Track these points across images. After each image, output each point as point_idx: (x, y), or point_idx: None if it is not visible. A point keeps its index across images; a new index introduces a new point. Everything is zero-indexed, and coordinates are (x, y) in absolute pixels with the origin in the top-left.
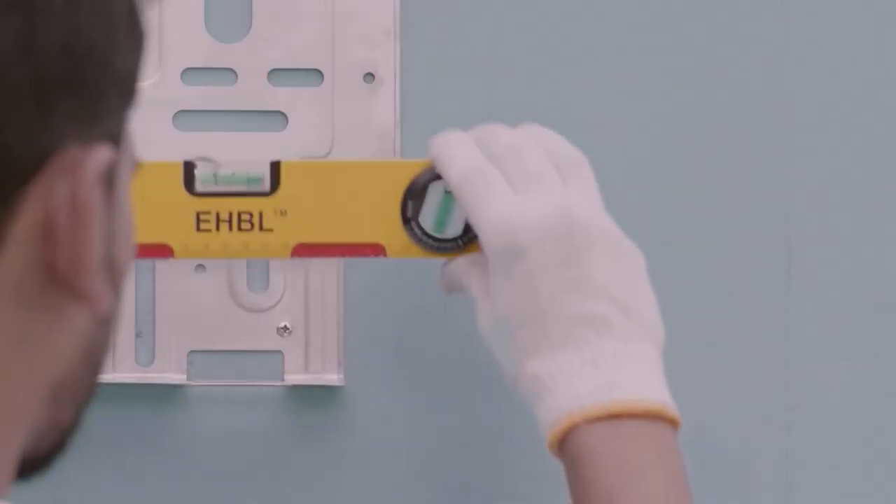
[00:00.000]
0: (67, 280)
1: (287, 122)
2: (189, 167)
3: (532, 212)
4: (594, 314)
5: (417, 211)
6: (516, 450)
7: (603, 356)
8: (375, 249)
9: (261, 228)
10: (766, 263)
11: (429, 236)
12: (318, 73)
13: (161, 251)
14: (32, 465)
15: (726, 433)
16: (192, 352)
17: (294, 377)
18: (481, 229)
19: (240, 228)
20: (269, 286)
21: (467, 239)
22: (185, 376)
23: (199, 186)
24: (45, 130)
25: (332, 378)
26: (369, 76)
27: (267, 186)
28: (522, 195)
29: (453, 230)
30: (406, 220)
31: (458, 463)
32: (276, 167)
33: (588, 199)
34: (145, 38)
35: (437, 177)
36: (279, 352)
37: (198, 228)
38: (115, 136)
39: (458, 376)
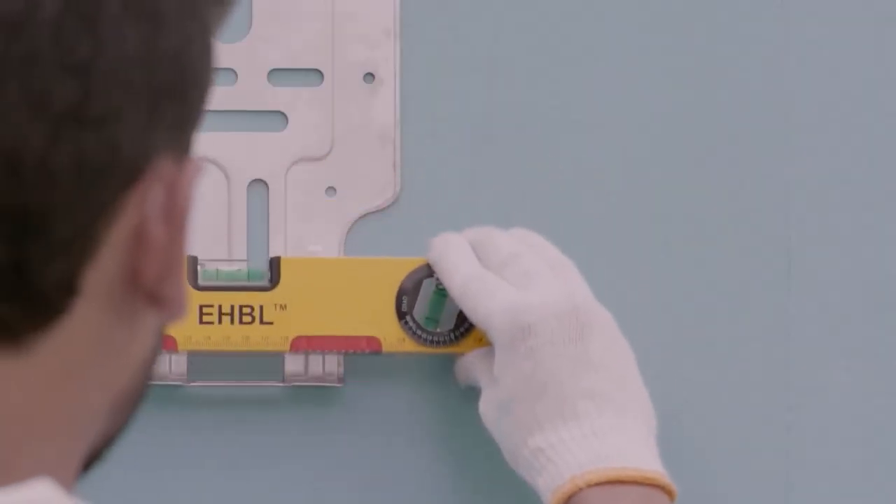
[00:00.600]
0: (152, 287)
1: (287, 122)
2: (192, 262)
3: (536, 297)
4: (595, 389)
5: (412, 306)
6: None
7: (602, 429)
8: (371, 343)
9: (261, 321)
10: (766, 263)
11: (423, 330)
12: (318, 73)
13: (165, 343)
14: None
15: (726, 433)
16: (193, 352)
17: (294, 377)
18: (489, 321)
19: (241, 321)
20: None
21: (460, 332)
22: (185, 376)
23: (202, 281)
24: (151, 137)
25: (333, 378)
26: (369, 76)
27: (267, 281)
28: (525, 290)
29: (446, 324)
30: (401, 315)
31: (458, 462)
32: (276, 263)
33: (585, 290)
34: (216, 64)
35: (430, 274)
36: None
37: (200, 321)
38: (191, 150)
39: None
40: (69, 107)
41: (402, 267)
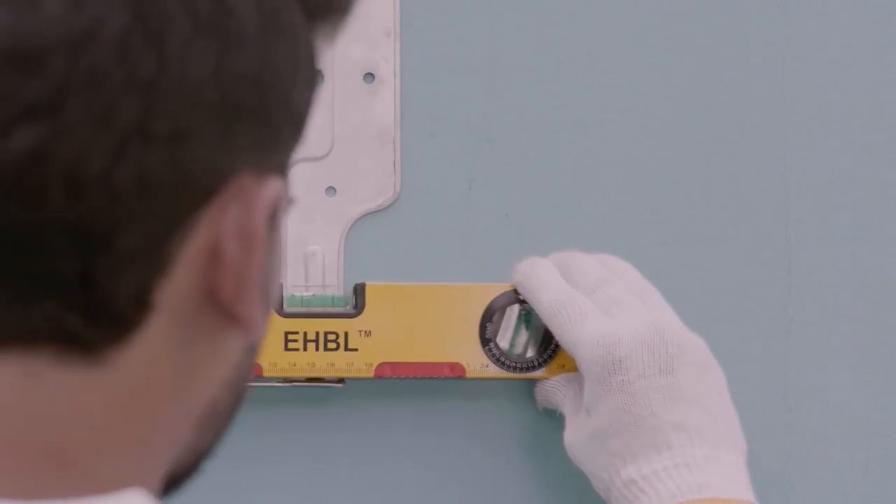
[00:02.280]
0: (227, 305)
1: None
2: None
3: (626, 328)
4: (687, 421)
5: (496, 332)
6: (517, 448)
7: (695, 460)
8: (455, 369)
9: (346, 348)
10: (766, 263)
11: (507, 356)
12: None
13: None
14: (167, 486)
15: None
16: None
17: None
18: (579, 348)
19: (326, 348)
20: None
21: (543, 359)
22: None
23: (287, 308)
24: (226, 155)
25: (334, 378)
26: (369, 76)
27: (352, 308)
28: (615, 318)
29: (530, 350)
30: (485, 342)
31: (458, 462)
32: (360, 289)
33: (672, 317)
34: (319, 80)
35: (515, 300)
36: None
37: (286, 348)
38: (283, 171)
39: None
40: (132, 124)
41: (486, 293)
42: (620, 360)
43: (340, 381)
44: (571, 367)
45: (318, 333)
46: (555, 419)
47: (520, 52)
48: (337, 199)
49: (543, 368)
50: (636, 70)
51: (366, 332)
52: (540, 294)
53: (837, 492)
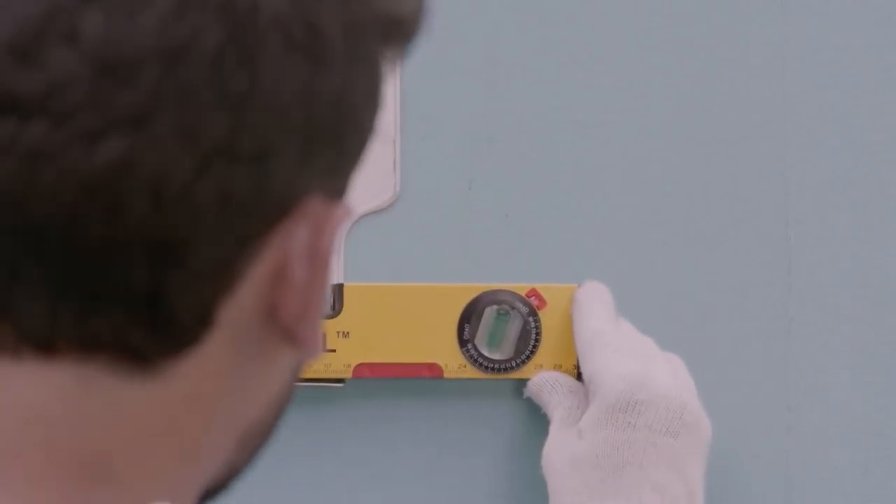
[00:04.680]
0: (288, 325)
1: None
2: None
3: (659, 379)
4: (667, 486)
5: (474, 333)
6: (517, 447)
7: None
8: (433, 369)
9: (324, 349)
10: (766, 263)
11: (484, 357)
12: None
13: None
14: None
15: (726, 433)
16: None
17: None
18: (604, 374)
19: None
20: None
21: (521, 360)
22: None
23: None
24: (302, 175)
25: (333, 378)
26: None
27: (330, 308)
28: (647, 367)
29: (507, 351)
30: (463, 342)
31: (459, 461)
32: (339, 290)
33: (696, 398)
34: (382, 110)
35: (493, 301)
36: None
37: None
38: (344, 195)
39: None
40: (220, 140)
41: (464, 294)
42: (637, 403)
43: (340, 380)
44: (549, 367)
45: None
46: (535, 421)
47: (519, 52)
48: None
49: (521, 369)
50: (636, 70)
51: (344, 332)
52: (587, 320)
53: (837, 492)
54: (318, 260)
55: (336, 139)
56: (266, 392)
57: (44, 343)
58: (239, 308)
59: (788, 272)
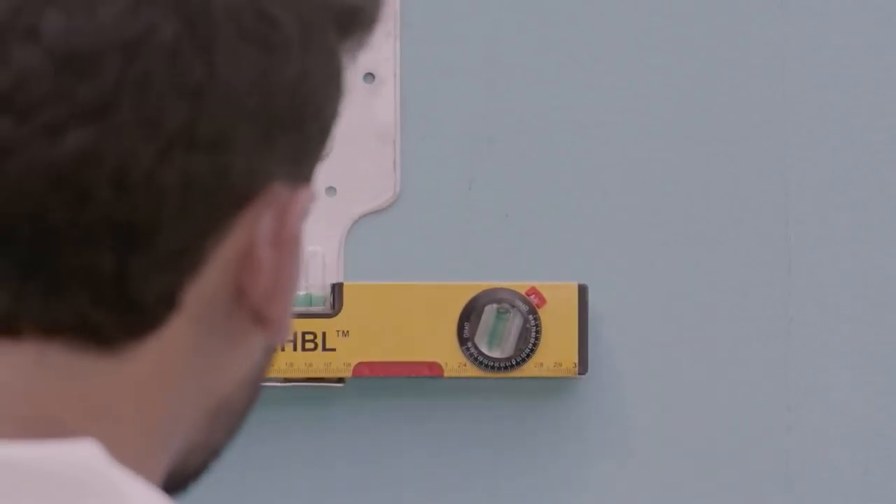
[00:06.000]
0: (257, 307)
1: None
2: None
3: None
4: None
5: (474, 332)
6: (517, 446)
7: None
8: (433, 368)
9: (324, 348)
10: (766, 263)
11: (484, 356)
12: None
13: None
14: (175, 481)
15: (726, 433)
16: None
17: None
18: None
19: (304, 348)
20: None
21: (521, 358)
22: None
23: None
24: (263, 162)
25: (334, 377)
26: (369, 76)
27: (330, 308)
28: None
29: (506, 350)
30: (463, 341)
31: (459, 461)
32: (338, 289)
33: None
34: (345, 95)
35: (493, 300)
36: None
37: None
38: (309, 180)
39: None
40: (180, 128)
41: (463, 292)
42: None
43: (340, 380)
44: (549, 365)
45: (295, 333)
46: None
47: (519, 52)
48: (337, 199)
49: (520, 368)
50: (636, 70)
51: (344, 331)
52: None
53: (837, 492)
54: (284, 244)
55: (296, 126)
56: (235, 371)
57: (8, 326)
58: (204, 291)
59: (788, 272)
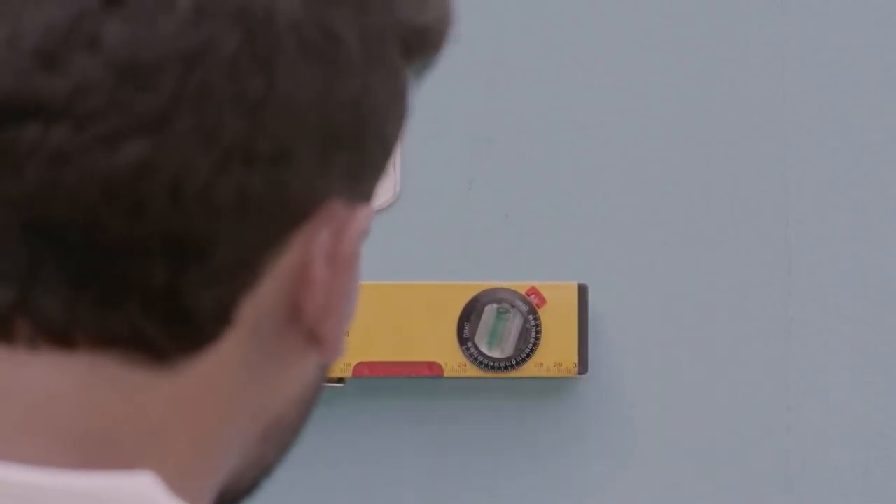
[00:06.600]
0: (310, 325)
1: None
2: None
3: None
4: None
5: (474, 332)
6: (517, 446)
7: None
8: (433, 368)
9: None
10: (766, 263)
11: (484, 356)
12: None
13: None
14: (226, 500)
15: (726, 433)
16: None
17: None
18: None
19: None
20: None
21: (521, 358)
22: None
23: None
24: (322, 179)
25: (333, 377)
26: None
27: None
28: None
29: (506, 350)
30: (463, 341)
31: (459, 461)
32: None
33: None
34: (408, 116)
35: (493, 300)
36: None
37: None
38: (369, 199)
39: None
40: (237, 141)
41: (463, 292)
42: None
43: (340, 380)
44: (549, 365)
45: None
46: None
47: (519, 52)
48: None
49: (520, 368)
50: (636, 70)
51: None
52: None
53: (837, 492)
54: (340, 262)
55: (356, 143)
56: (289, 389)
57: (61, 336)
58: (259, 307)
59: (788, 272)
